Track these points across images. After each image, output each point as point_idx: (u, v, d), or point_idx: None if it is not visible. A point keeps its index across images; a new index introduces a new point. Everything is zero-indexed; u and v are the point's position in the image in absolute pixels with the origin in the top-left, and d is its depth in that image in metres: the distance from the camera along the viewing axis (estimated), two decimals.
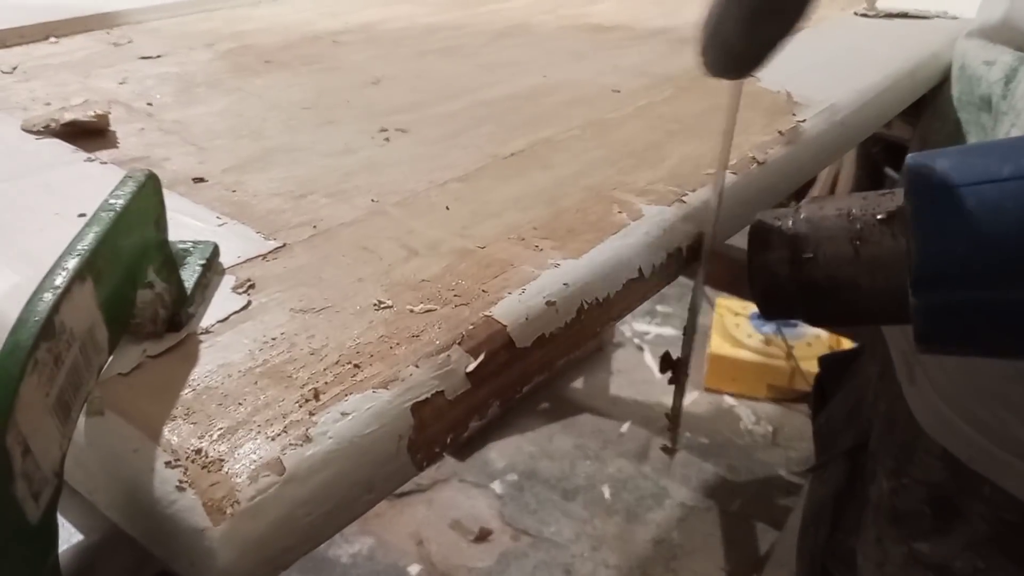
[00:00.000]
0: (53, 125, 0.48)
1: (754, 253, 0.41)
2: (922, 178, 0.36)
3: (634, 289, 0.40)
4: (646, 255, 0.40)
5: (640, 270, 0.40)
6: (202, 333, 0.31)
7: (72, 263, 0.26)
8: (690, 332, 0.47)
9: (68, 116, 0.49)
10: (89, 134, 0.49)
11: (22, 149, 0.46)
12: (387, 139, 0.51)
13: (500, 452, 1.73)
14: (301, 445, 0.27)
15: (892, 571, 0.63)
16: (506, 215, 0.42)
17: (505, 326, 0.33)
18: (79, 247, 0.27)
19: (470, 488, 1.66)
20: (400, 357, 0.31)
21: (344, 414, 0.28)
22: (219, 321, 0.32)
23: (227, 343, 0.31)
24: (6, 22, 0.66)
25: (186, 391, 0.29)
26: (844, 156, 1.88)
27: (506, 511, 1.61)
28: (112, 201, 0.30)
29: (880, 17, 0.77)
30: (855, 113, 0.58)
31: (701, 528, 1.59)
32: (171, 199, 0.42)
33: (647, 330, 2.09)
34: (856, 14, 0.78)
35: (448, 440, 0.31)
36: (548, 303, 0.35)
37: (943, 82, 0.67)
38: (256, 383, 0.29)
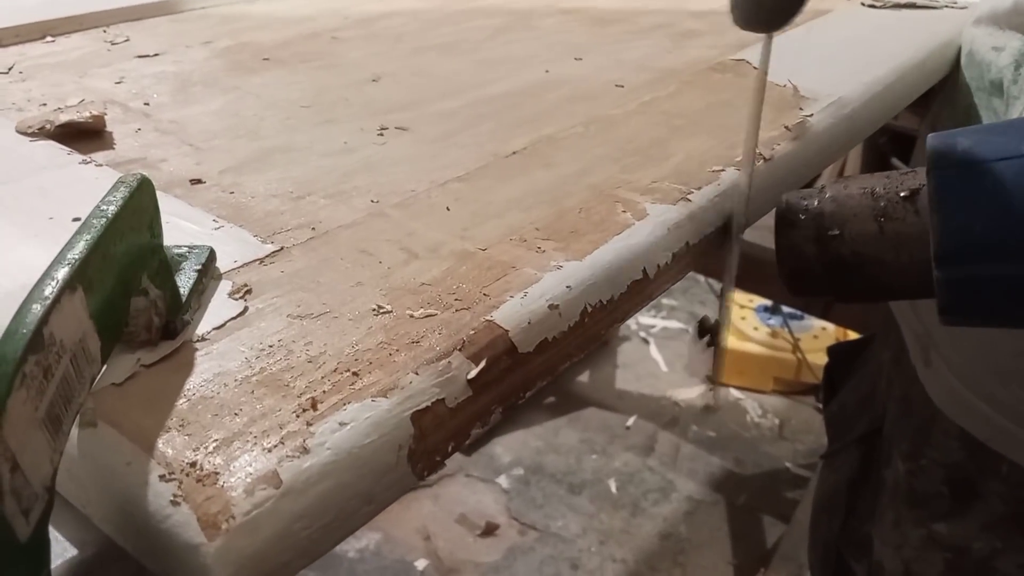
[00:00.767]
0: (48, 127, 0.47)
1: (781, 232, 0.42)
2: (943, 156, 0.37)
3: (639, 290, 0.39)
4: (651, 255, 0.40)
5: (645, 271, 0.39)
6: (198, 341, 0.31)
7: (61, 273, 0.26)
8: (726, 294, 0.48)
9: (63, 118, 0.48)
10: (85, 135, 0.49)
11: (16, 152, 0.46)
12: (387, 138, 0.50)
13: (506, 447, 1.72)
14: (298, 457, 0.26)
15: (910, 554, 0.63)
16: (508, 216, 0.41)
17: (507, 331, 0.33)
18: (69, 256, 0.26)
19: (476, 483, 1.66)
20: (399, 364, 0.30)
21: (342, 424, 0.27)
22: (215, 328, 0.32)
23: (223, 351, 0.30)
24: (2, 21, 0.65)
25: (181, 401, 0.28)
26: None
27: (513, 506, 1.61)
28: (104, 207, 0.29)
29: (887, 8, 0.76)
30: (863, 107, 0.57)
31: (708, 522, 1.59)
32: (167, 202, 0.41)
33: (653, 323, 2.08)
34: (863, 4, 0.77)
35: (449, 449, 0.30)
36: (551, 306, 0.34)
37: (952, 70, 0.66)
38: (252, 392, 0.28)
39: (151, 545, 0.25)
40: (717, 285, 1.88)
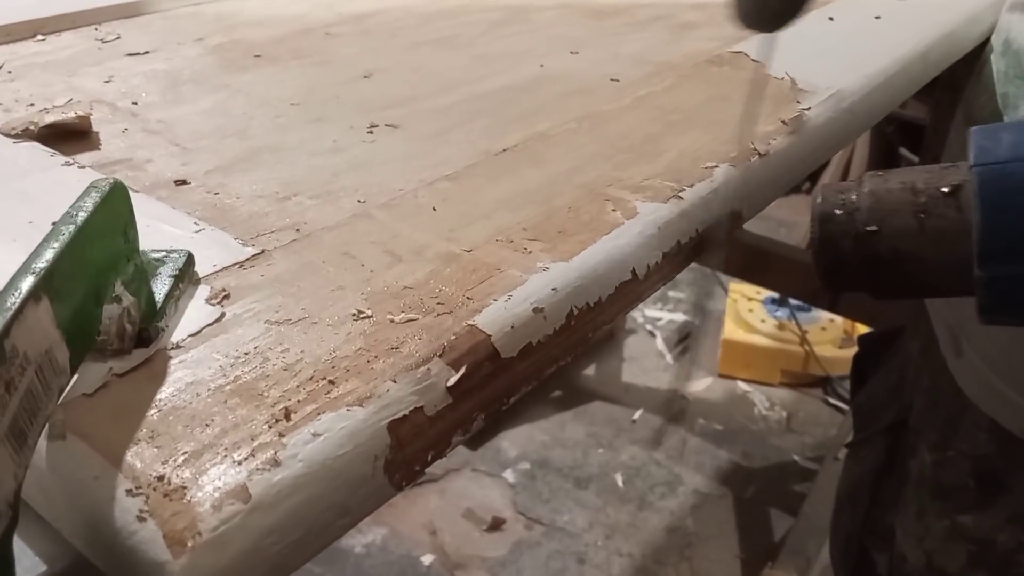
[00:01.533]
0: (32, 128, 0.47)
1: (818, 226, 0.41)
2: (987, 151, 0.36)
3: (628, 291, 0.38)
4: (640, 255, 0.39)
5: (634, 271, 0.38)
6: (172, 348, 0.30)
7: (25, 283, 0.25)
8: (704, 307, 0.47)
9: (49, 118, 0.48)
10: (70, 136, 0.48)
11: None
12: (376, 136, 0.50)
13: (512, 441, 1.72)
14: (269, 470, 0.25)
15: (933, 545, 0.63)
16: (495, 216, 0.40)
17: (489, 336, 0.32)
18: (34, 265, 0.26)
19: (483, 477, 1.65)
20: (377, 371, 0.30)
21: (316, 435, 0.27)
22: (191, 335, 0.31)
23: (198, 359, 0.30)
24: None
25: (152, 412, 0.27)
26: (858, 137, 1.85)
27: (519, 500, 1.60)
28: (74, 213, 0.29)
29: None
30: (863, 99, 0.56)
31: (715, 515, 1.58)
32: (149, 204, 0.41)
33: (659, 316, 2.07)
34: None
35: (429, 458, 0.30)
36: (535, 310, 0.34)
37: (979, 58, 0.65)
38: (225, 402, 0.28)
39: (119, 561, 0.25)
40: (724, 277, 1.87)
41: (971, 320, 0.60)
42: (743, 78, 0.57)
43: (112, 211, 0.31)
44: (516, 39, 0.68)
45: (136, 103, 0.54)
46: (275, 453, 0.26)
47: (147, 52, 0.63)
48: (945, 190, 0.38)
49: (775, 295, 1.85)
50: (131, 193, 0.41)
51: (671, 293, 2.14)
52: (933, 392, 0.66)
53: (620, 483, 1.64)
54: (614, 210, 0.41)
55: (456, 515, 1.58)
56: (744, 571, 1.49)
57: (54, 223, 0.37)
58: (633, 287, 0.38)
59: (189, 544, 0.23)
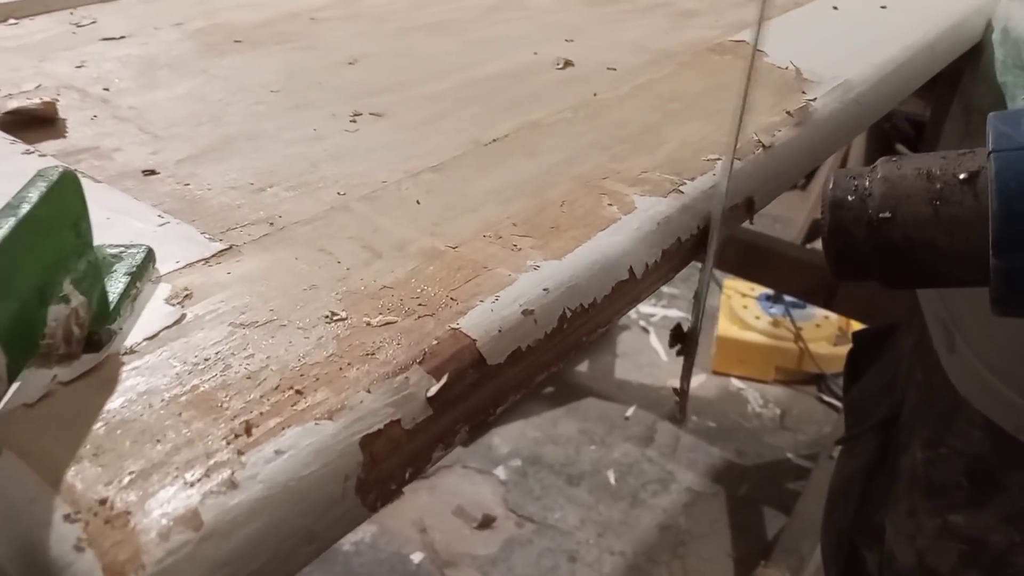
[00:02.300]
0: None
1: (829, 212, 0.39)
2: (1006, 137, 0.35)
3: (624, 292, 0.35)
4: (638, 253, 0.36)
5: (631, 270, 0.36)
6: (126, 353, 0.28)
7: None
8: (700, 306, 0.44)
9: (12, 104, 0.45)
10: (35, 123, 0.45)
11: None
12: (360, 125, 0.47)
13: (504, 437, 1.70)
14: (225, 492, 0.23)
15: (924, 544, 0.61)
16: (483, 209, 0.38)
17: (474, 340, 0.29)
18: None
19: (474, 474, 1.63)
20: (350, 380, 0.27)
21: (278, 452, 0.24)
22: (147, 339, 0.28)
23: (153, 365, 0.27)
24: None
25: (98, 425, 0.25)
26: None
27: (510, 497, 1.58)
28: (16, 204, 0.26)
29: None
30: (871, 90, 0.53)
31: (708, 513, 1.56)
32: (111, 195, 0.38)
33: (653, 312, 2.05)
34: None
35: (407, 476, 0.27)
36: (525, 312, 0.31)
37: (979, 47, 0.63)
38: (180, 415, 0.25)
39: None
40: (720, 273, 1.85)
41: (966, 315, 0.59)
42: (745, 67, 0.55)
43: (61, 203, 0.28)
44: (511, 25, 0.65)
45: (108, 89, 0.51)
46: (232, 473, 0.23)
47: (123, 37, 0.60)
48: (962, 176, 0.36)
49: (770, 292, 1.83)
50: (94, 183, 0.39)
51: (665, 289, 2.12)
52: (925, 388, 0.65)
53: (612, 480, 1.62)
54: (610, 204, 0.38)
55: (446, 512, 1.56)
56: (737, 569, 1.47)
57: None
58: (630, 287, 0.36)
59: None
